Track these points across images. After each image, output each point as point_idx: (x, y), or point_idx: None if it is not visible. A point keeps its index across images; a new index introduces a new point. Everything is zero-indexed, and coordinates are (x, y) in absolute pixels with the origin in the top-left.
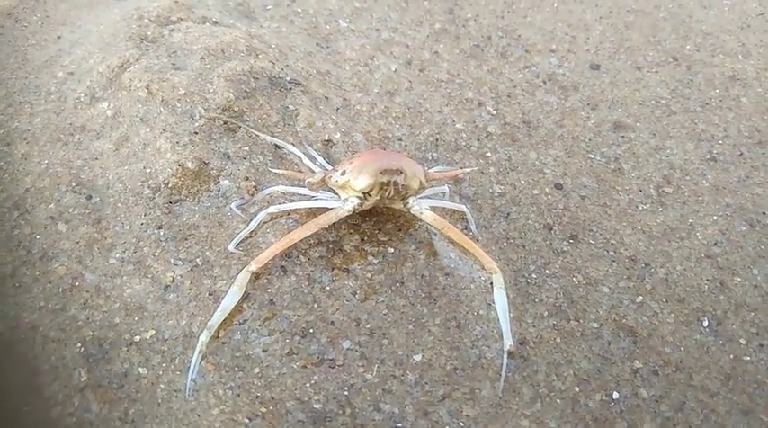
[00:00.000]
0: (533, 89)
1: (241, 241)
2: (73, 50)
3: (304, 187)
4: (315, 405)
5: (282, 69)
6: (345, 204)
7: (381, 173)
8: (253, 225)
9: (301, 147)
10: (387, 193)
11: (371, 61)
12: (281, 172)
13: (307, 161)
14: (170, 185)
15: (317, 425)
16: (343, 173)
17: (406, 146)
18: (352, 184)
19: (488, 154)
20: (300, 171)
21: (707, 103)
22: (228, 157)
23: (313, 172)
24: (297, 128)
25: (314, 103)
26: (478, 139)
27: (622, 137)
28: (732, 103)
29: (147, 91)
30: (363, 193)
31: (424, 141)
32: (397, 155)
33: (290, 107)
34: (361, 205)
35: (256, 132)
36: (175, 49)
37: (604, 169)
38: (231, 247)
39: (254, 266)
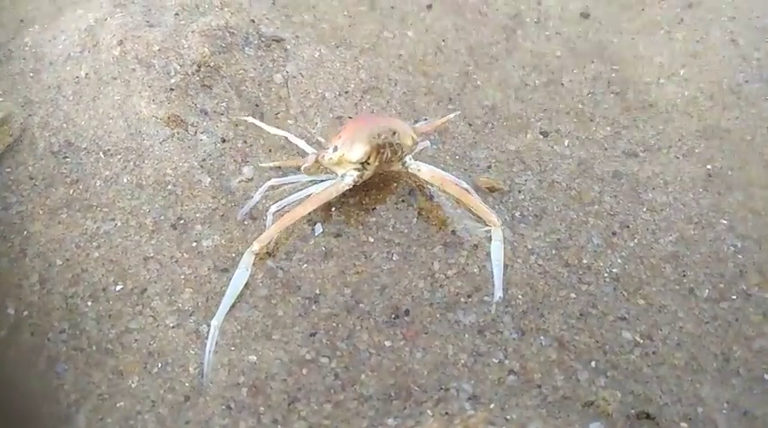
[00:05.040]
0: None
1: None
2: (47, 9)
3: (299, 173)
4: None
5: (259, 25)
6: (344, 178)
7: (375, 137)
8: (257, 197)
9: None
10: (384, 156)
11: (354, 16)
12: (272, 163)
13: (302, 144)
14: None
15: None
16: (335, 148)
17: (392, 96)
18: (348, 157)
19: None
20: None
21: None
22: (206, 113)
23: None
24: (275, 83)
25: (293, 58)
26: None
27: None
28: None
29: (121, 48)
30: (361, 163)
31: (410, 92)
32: (382, 117)
33: (268, 62)
34: (360, 176)
35: (268, 128)
36: (149, 6)
37: None
38: (239, 217)
39: (256, 246)
